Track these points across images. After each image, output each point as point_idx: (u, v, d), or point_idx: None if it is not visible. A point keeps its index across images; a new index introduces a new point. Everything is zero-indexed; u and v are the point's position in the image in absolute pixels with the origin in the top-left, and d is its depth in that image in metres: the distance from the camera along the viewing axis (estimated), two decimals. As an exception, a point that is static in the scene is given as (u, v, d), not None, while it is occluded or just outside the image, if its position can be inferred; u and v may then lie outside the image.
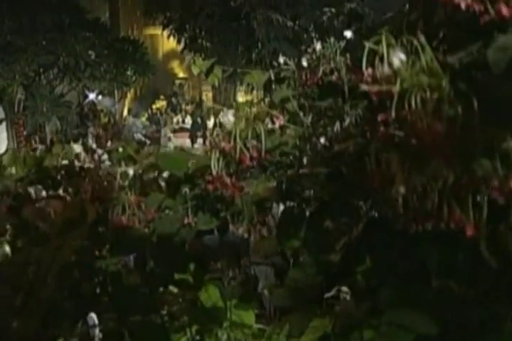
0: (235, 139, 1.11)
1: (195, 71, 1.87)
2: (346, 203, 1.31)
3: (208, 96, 22.21)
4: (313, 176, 1.25)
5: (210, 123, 19.48)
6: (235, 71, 10.36)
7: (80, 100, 16.08)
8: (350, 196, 1.22)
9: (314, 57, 1.59)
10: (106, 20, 16.13)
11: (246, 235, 1.34)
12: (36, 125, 11.14)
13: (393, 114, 0.79)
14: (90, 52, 10.35)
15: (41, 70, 10.39)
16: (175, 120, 20.14)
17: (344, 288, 1.53)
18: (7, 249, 5.42)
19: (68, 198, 1.46)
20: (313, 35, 11.09)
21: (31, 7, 10.18)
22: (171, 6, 13.19)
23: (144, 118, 19.94)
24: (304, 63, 1.58)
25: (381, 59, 0.82)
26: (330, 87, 1.50)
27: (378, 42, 0.85)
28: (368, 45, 0.84)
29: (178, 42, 12.48)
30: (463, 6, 0.82)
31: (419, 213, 0.85)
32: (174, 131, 19.09)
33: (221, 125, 19.09)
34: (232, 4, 10.86)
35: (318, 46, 1.58)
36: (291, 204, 1.41)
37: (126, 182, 1.55)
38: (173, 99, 21.78)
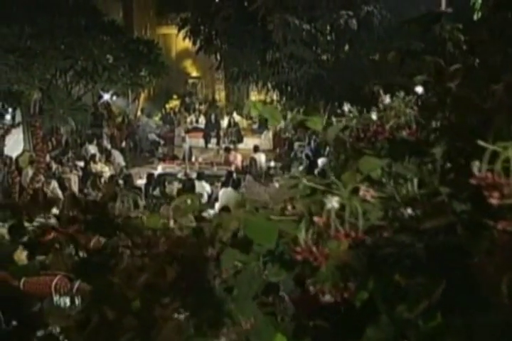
0: (329, 214, 1.13)
1: (254, 113, 1.87)
2: (427, 268, 1.32)
3: (220, 95, 22.26)
4: (397, 243, 1.26)
5: (224, 122, 19.51)
6: (250, 72, 10.28)
7: (94, 100, 16.14)
8: (435, 267, 1.23)
9: (382, 108, 1.60)
10: (120, 21, 16.17)
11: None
12: (53, 127, 11.16)
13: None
14: (108, 56, 10.36)
15: (58, 74, 10.39)
16: (188, 120, 20.13)
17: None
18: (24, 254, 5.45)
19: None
20: (329, 38, 11.08)
21: (49, 11, 10.22)
22: (186, 8, 13.21)
23: (157, 118, 19.96)
24: (373, 116, 1.58)
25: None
26: (402, 143, 1.51)
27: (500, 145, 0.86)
28: (491, 148, 0.85)
29: (194, 43, 12.47)
30: None
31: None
32: (188, 131, 19.08)
33: (235, 124, 19.18)
34: (248, 7, 10.85)
35: (387, 99, 1.58)
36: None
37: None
38: (187, 99, 21.79)
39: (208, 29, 11.97)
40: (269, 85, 12.57)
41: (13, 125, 11.80)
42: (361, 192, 1.20)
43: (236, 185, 12.29)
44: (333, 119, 1.80)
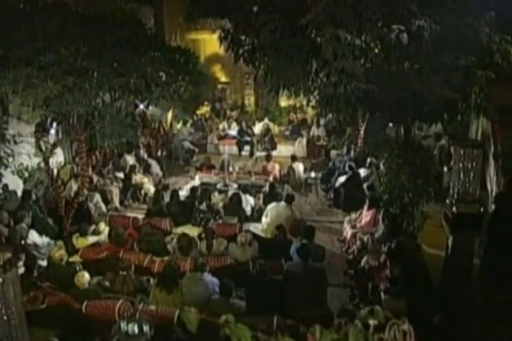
0: None
1: None
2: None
3: (250, 100, 22.17)
4: None
5: (256, 128, 19.40)
6: (292, 84, 10.07)
7: (128, 110, 16.05)
8: None
9: None
10: (152, 27, 16.05)
11: None
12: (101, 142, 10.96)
13: None
14: (161, 73, 10.24)
15: (109, 91, 10.28)
16: (221, 126, 19.96)
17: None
18: (87, 276, 5.65)
19: None
20: (377, 51, 10.96)
21: (100, 28, 10.12)
22: (222, 16, 13.04)
23: (188, 125, 19.82)
24: None
25: None
26: None
27: None
28: None
29: (236, 55, 12.36)
30: None
31: None
32: (220, 138, 18.98)
33: (268, 131, 18.99)
34: (297, 20, 10.73)
35: None
36: None
37: None
38: (217, 104, 21.65)
39: (252, 41, 11.83)
40: (312, 99, 12.42)
41: (61, 140, 11.74)
42: None
43: (280, 198, 12.10)
44: None
